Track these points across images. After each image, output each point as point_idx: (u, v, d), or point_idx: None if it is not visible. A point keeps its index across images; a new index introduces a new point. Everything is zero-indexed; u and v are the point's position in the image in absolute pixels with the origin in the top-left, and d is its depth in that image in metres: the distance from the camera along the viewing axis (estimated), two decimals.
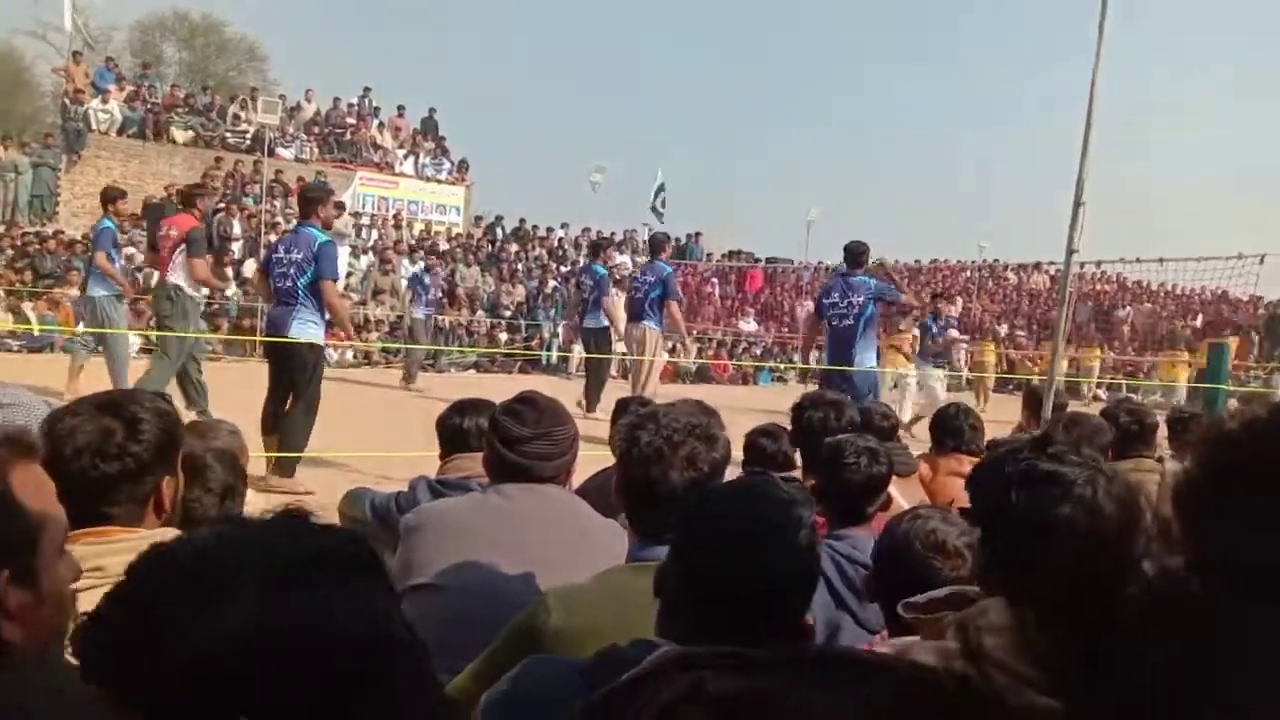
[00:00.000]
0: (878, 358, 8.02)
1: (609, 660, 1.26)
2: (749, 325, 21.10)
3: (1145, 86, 62.38)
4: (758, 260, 24.43)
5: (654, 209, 23.15)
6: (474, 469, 2.52)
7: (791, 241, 53.22)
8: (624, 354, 10.62)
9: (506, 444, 2.12)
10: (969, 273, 26.87)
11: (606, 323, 10.37)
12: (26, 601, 1.04)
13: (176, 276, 7.51)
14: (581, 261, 20.00)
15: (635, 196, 22.95)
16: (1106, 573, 1.33)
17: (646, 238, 8.48)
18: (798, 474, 3.17)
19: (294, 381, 5.98)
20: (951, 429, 3.71)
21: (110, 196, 8.55)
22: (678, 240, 24.99)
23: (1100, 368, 19.99)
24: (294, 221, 7.03)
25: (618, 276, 20.91)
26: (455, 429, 2.85)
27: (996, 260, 26.40)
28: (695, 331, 20.75)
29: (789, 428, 3.48)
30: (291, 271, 6.01)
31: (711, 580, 1.23)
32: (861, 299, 7.43)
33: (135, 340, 8.63)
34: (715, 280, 23.56)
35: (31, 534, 1.06)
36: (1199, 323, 23.41)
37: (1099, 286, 25.14)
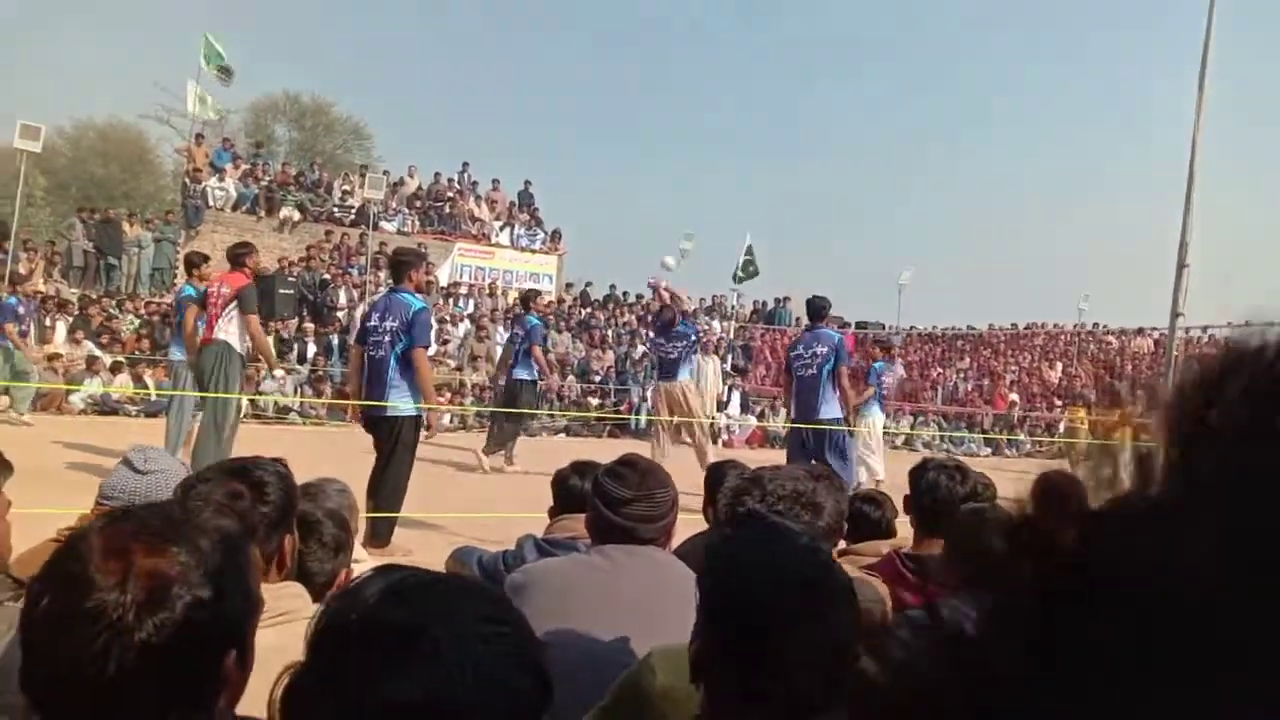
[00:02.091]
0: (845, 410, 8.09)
1: None
2: None
3: (1250, 135, 60.22)
4: (847, 324, 24.23)
5: (736, 275, 23.13)
6: (581, 530, 2.58)
7: (884, 305, 52.60)
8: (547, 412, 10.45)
9: (609, 505, 2.17)
10: (1068, 336, 26.14)
11: (533, 376, 10.26)
12: (240, 679, 1.08)
13: (226, 334, 7.32)
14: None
15: (724, 262, 22.94)
16: None
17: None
18: (901, 541, 3.15)
19: (390, 451, 5.94)
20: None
21: (193, 262, 8.64)
22: (765, 305, 25.03)
23: None
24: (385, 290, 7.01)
25: (706, 340, 21.03)
26: (571, 489, 2.90)
27: (1097, 324, 25.63)
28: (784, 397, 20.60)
29: (886, 494, 3.46)
30: (386, 340, 5.95)
31: (743, 633, 1.22)
32: (824, 350, 7.89)
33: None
34: None
35: (255, 613, 1.12)
36: None
37: (1205, 350, 24.12)
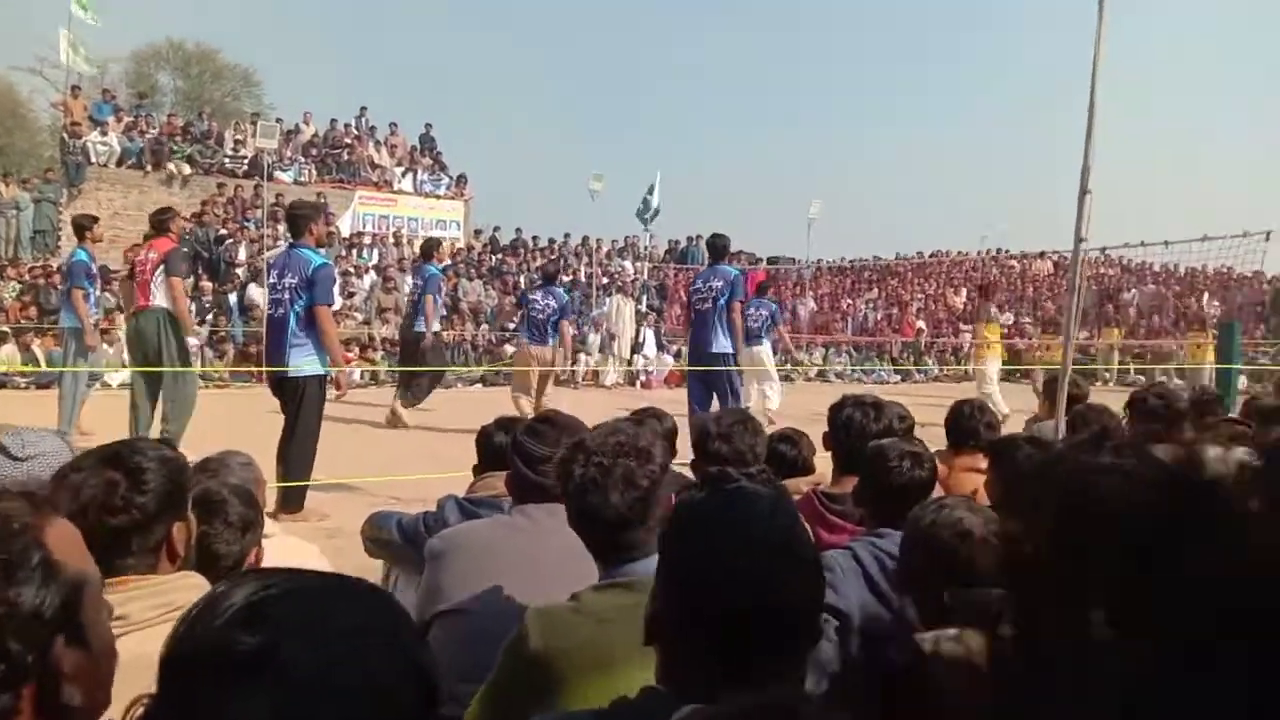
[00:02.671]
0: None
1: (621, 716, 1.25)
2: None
3: (1146, 62, 62.16)
4: (759, 260, 24.42)
5: (643, 214, 23.00)
6: (504, 487, 2.51)
7: (794, 239, 53.20)
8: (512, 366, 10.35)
9: (528, 463, 2.12)
10: (971, 262, 26.82)
11: (434, 326, 10.23)
12: (81, 661, 1.03)
13: (161, 299, 7.19)
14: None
15: (635, 203, 22.73)
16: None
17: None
18: (819, 478, 3.16)
19: (295, 413, 5.80)
20: (967, 428, 3.68)
21: (83, 225, 8.33)
22: (678, 243, 25.01)
23: (1112, 350, 20.01)
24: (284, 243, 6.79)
25: (620, 282, 20.95)
26: (496, 445, 2.82)
27: (1000, 250, 26.36)
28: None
29: (802, 431, 3.47)
30: (286, 297, 5.81)
31: (702, 623, 1.18)
32: (720, 284, 8.09)
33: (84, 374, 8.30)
34: None
35: (75, 593, 1.05)
36: (1205, 301, 23.37)
37: (1101, 270, 25.06)
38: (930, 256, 27.01)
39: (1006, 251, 25.79)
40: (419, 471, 6.46)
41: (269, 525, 2.42)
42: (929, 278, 26.21)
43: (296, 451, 5.75)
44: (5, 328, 13.37)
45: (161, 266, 7.18)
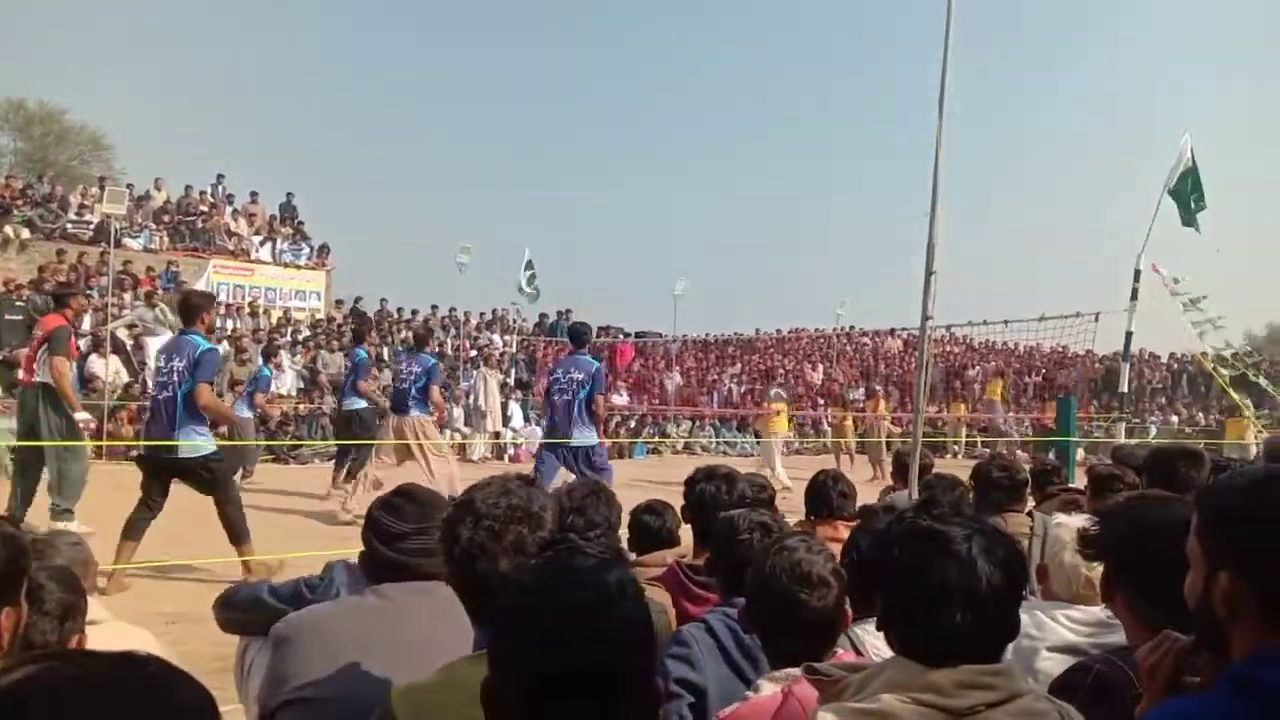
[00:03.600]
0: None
1: None
2: (621, 399, 21.21)
3: (985, 153, 66.62)
4: (628, 335, 24.72)
5: (521, 289, 23.09)
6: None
7: (661, 315, 54.06)
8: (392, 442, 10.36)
9: (384, 541, 2.05)
10: (828, 339, 27.89)
11: (362, 404, 10.34)
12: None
13: (44, 375, 7.27)
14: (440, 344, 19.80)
15: (503, 275, 22.75)
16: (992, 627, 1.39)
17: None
18: (685, 550, 3.18)
19: (211, 493, 6.08)
20: (823, 496, 3.79)
21: None
22: (546, 317, 25.07)
23: (960, 424, 21.05)
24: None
25: (487, 354, 20.77)
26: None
27: (853, 326, 27.52)
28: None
29: (669, 504, 3.49)
30: (174, 379, 6.00)
31: (532, 679, 1.15)
32: (581, 376, 8.01)
33: None
34: None
35: None
36: (1040, 379, 24.93)
37: (948, 348, 26.44)
38: (790, 333, 27.94)
39: (860, 329, 26.92)
40: (290, 548, 6.18)
41: (98, 610, 2.25)
42: (788, 354, 27.04)
43: (234, 517, 6.08)
44: None
45: (45, 345, 7.32)
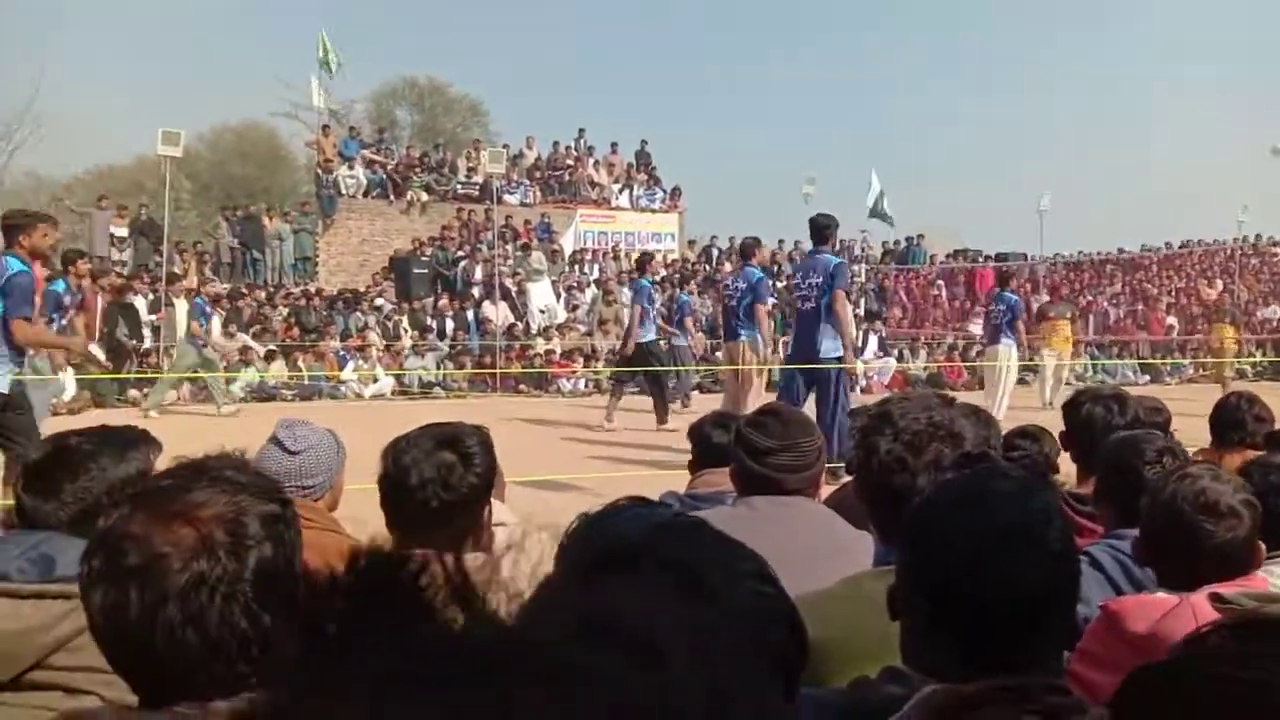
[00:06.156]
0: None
1: (863, 701, 1.20)
2: (978, 327, 20.10)
3: None
4: (987, 258, 23.27)
5: (880, 214, 22.52)
6: (724, 484, 2.51)
7: (1025, 234, 50.26)
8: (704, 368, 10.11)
9: (753, 456, 2.11)
10: (1228, 251, 24.37)
11: (655, 335, 10.21)
12: None
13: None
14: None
15: (849, 203, 22.30)
16: None
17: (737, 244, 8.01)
18: (1064, 479, 2.97)
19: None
20: (1234, 421, 3.34)
21: (68, 259, 9.04)
22: (898, 244, 24.27)
23: None
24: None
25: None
26: (711, 442, 2.85)
27: (1259, 236, 23.75)
28: (924, 337, 20.02)
29: (1044, 428, 3.27)
30: None
31: (944, 606, 1.10)
32: (819, 279, 6.94)
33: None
34: (942, 283, 22.65)
35: None
36: None
37: None
38: (1180, 246, 24.78)
39: (1271, 238, 23.22)
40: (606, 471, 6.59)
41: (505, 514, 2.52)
42: (1179, 270, 24.04)
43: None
44: (274, 346, 14.84)
45: None
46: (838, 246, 9.95)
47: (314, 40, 20.30)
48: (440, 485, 1.75)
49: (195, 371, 11.98)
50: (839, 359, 6.89)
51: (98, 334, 12.78)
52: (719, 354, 10.54)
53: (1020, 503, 1.14)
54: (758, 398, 7.71)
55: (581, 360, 16.53)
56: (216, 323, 13.81)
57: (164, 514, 1.02)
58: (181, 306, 13.30)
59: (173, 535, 1.01)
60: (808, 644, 0.77)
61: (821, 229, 7.27)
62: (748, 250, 8.73)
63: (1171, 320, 21.22)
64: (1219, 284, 22.87)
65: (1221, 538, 1.76)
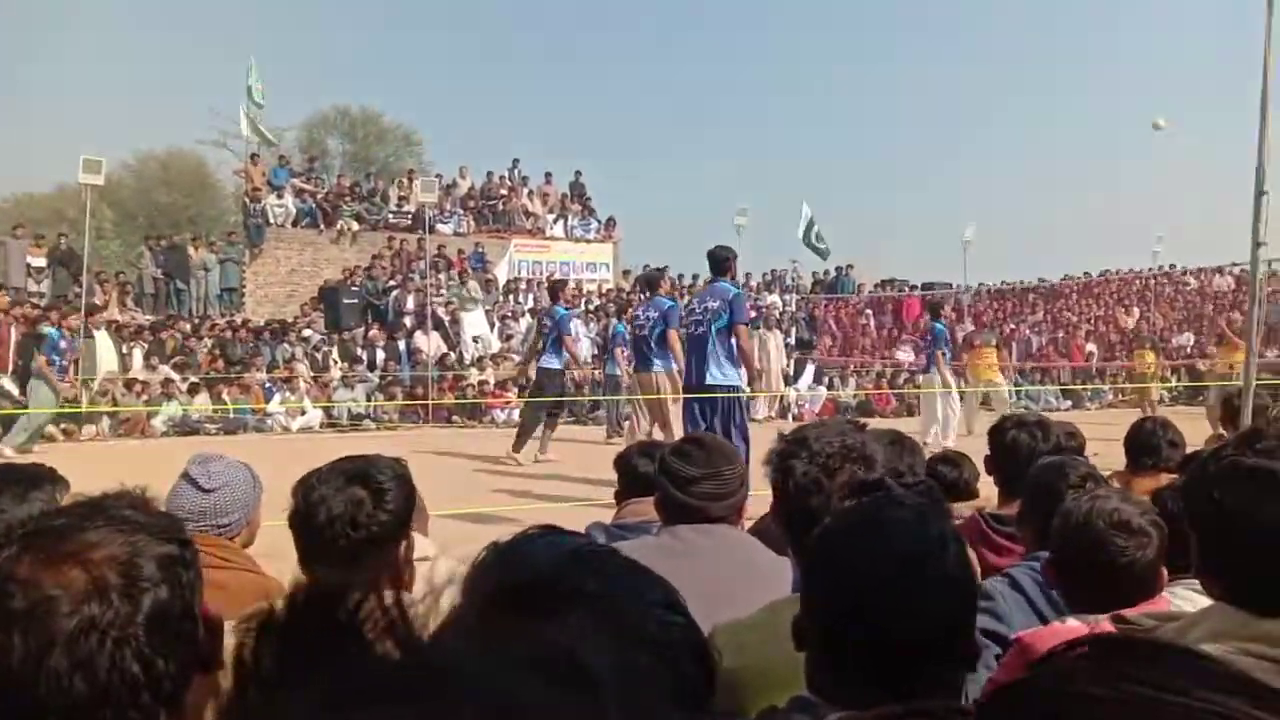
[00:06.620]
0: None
1: None
2: (906, 355, 20.49)
3: None
4: (914, 287, 23.78)
5: (812, 246, 22.90)
6: (651, 513, 2.51)
7: (950, 265, 51.47)
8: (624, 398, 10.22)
9: (677, 485, 2.12)
10: (1143, 280, 25.28)
11: (560, 365, 10.28)
12: None
13: None
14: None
15: (781, 235, 22.68)
16: None
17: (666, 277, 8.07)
18: (983, 501, 3.03)
19: None
20: (1148, 446, 3.45)
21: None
22: (828, 273, 24.67)
23: None
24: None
25: (768, 315, 20.80)
26: (635, 471, 2.84)
27: (1173, 265, 24.72)
28: (853, 365, 20.33)
29: (964, 454, 3.34)
30: None
31: (846, 635, 1.10)
32: (716, 304, 6.89)
33: None
34: (870, 311, 23.09)
35: None
36: None
37: None
38: (1099, 275, 25.61)
39: (1183, 268, 24.16)
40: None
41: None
42: (1097, 298, 24.86)
43: None
44: (197, 379, 14.45)
45: None
46: (739, 278, 9.96)
47: (245, 69, 20.06)
48: (348, 523, 1.71)
49: (62, 407, 11.54)
50: (731, 388, 6.83)
51: (10, 366, 12.34)
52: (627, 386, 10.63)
53: (916, 530, 1.14)
54: (675, 428, 7.66)
55: (516, 391, 16.41)
56: (138, 354, 13.40)
57: (54, 555, 0.98)
58: (102, 338, 12.89)
59: (62, 578, 0.96)
60: (715, 675, 0.77)
61: (720, 260, 7.20)
62: (653, 282, 8.94)
63: (1091, 347, 21.88)
64: (1135, 311, 23.72)
65: (1132, 555, 1.80)
